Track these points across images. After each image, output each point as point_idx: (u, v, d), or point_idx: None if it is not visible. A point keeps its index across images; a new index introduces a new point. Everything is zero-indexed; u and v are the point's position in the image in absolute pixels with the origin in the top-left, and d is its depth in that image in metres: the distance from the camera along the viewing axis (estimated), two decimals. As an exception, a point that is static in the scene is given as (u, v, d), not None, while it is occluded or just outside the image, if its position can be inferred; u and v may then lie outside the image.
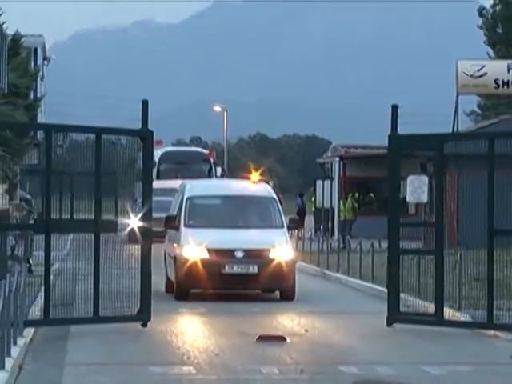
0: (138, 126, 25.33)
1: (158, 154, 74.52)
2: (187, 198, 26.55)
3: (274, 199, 27.21)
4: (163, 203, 53.69)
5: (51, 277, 25.73)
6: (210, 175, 66.97)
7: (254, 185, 27.34)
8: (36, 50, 61.95)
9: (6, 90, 34.64)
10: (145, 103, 25.66)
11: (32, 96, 55.72)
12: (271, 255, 24.78)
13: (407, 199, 32.77)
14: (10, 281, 20.13)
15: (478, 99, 62.05)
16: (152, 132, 26.55)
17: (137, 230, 47.94)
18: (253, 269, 24.32)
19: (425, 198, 30.76)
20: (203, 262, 24.21)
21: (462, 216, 23.60)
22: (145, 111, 25.57)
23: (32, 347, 21.02)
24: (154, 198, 54.44)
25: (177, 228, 26.34)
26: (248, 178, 28.07)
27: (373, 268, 34.88)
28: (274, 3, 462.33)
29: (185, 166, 67.93)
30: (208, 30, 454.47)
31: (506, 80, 39.49)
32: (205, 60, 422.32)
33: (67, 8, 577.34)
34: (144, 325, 24.15)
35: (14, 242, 31.11)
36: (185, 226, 25.67)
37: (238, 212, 26.71)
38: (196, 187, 28.57)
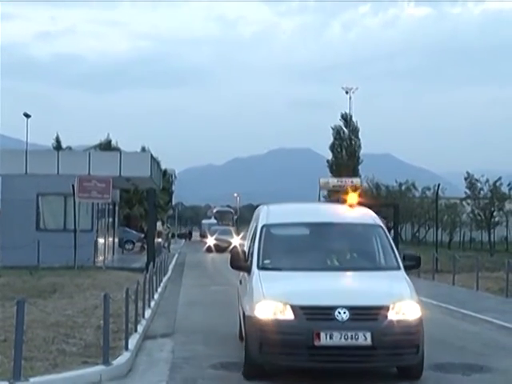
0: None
1: (213, 211, 76.78)
2: (262, 227, 7.20)
3: (382, 228, 7.26)
4: (223, 230, 52.32)
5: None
6: (233, 221, 64.89)
7: (352, 210, 7.47)
8: (171, 174, 63.75)
9: (160, 188, 36.23)
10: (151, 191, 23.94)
11: (169, 190, 57.82)
12: (390, 316, 5.72)
13: None
14: (162, 255, 22.04)
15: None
16: (154, 189, 24.38)
17: (212, 245, 44.98)
18: (364, 338, 5.50)
19: None
20: (286, 326, 5.66)
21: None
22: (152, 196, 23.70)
23: (170, 280, 19.89)
24: (216, 227, 52.41)
25: (248, 269, 6.90)
26: (343, 202, 7.84)
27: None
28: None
29: (223, 214, 68.22)
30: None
31: (336, 185, 36.22)
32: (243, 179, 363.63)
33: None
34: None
35: (162, 241, 32.10)
36: (258, 267, 6.62)
37: (333, 247, 6.95)
38: (275, 212, 7.70)
